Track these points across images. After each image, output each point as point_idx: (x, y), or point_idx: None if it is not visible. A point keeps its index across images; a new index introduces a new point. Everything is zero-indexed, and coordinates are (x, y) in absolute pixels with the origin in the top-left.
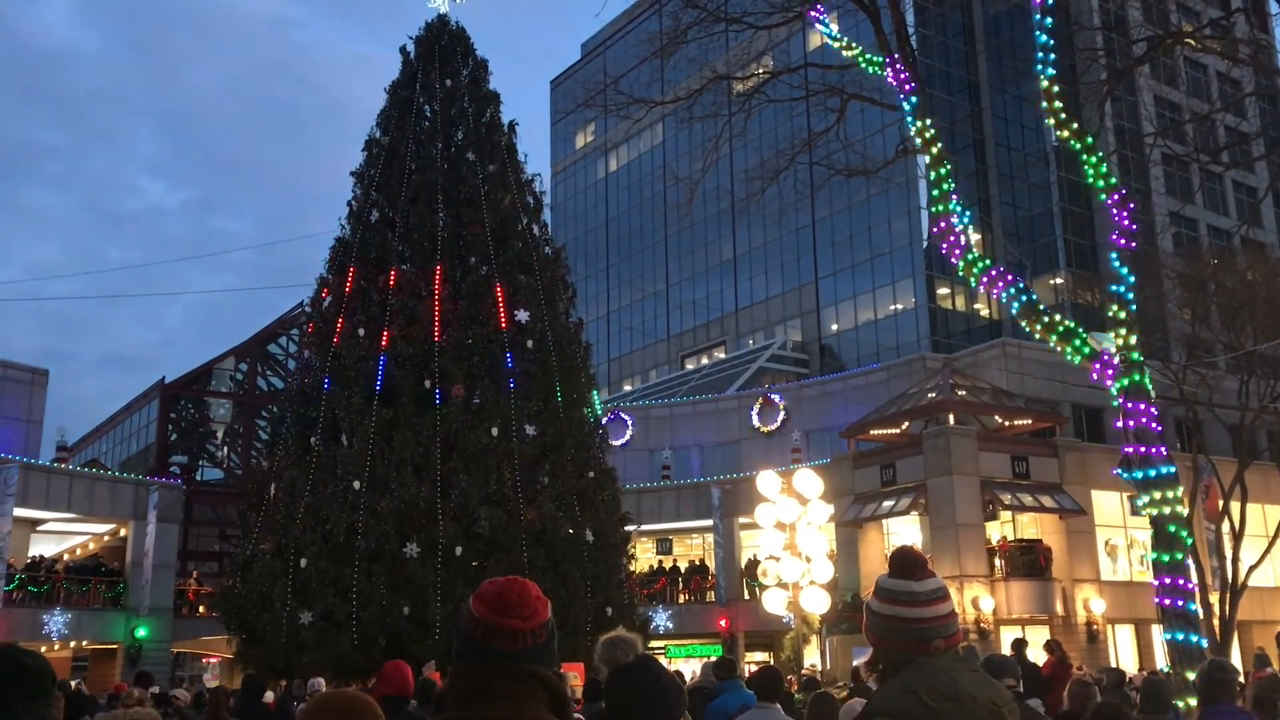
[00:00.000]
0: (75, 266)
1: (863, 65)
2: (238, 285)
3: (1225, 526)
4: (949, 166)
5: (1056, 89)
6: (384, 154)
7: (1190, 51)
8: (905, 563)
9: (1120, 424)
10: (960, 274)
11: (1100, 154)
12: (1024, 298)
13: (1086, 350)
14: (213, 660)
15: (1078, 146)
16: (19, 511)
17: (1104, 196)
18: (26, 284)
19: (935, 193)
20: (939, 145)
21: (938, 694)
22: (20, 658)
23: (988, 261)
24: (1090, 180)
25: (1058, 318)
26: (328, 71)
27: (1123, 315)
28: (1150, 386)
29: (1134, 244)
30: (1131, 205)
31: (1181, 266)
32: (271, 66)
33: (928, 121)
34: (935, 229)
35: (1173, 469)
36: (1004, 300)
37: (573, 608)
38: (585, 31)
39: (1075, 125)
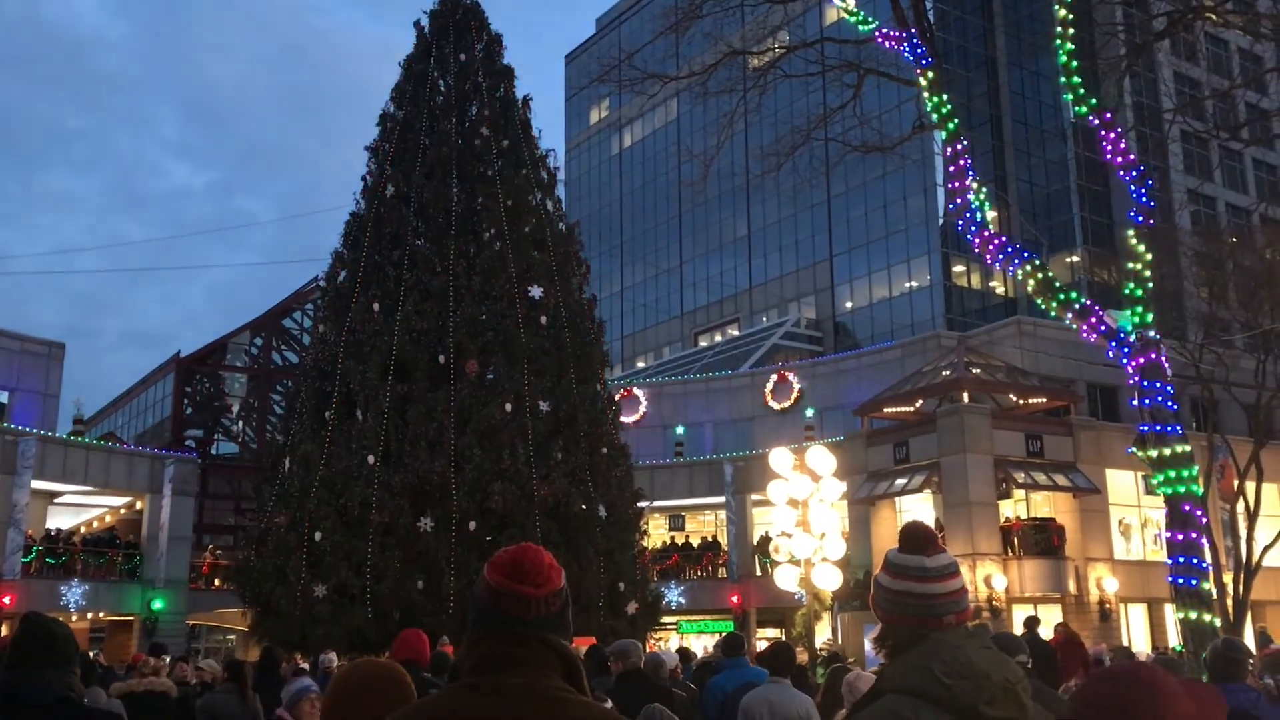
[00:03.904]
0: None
1: (878, 38)
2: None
3: (1240, 506)
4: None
5: (1075, 64)
6: (398, 128)
7: (1211, 26)
8: (916, 537)
9: (1136, 403)
10: (976, 250)
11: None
12: (1039, 274)
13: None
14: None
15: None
16: (36, 484)
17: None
18: (50, 258)
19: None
20: (955, 120)
21: (952, 671)
22: (50, 626)
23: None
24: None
25: (1073, 294)
26: (347, 55)
27: (1140, 293)
28: (1167, 365)
29: (1151, 220)
30: (1142, 174)
31: (1199, 244)
32: (292, 51)
33: (944, 97)
34: (951, 205)
35: (1188, 448)
36: (1018, 278)
37: (585, 583)
38: (599, 6)
39: (1093, 100)
